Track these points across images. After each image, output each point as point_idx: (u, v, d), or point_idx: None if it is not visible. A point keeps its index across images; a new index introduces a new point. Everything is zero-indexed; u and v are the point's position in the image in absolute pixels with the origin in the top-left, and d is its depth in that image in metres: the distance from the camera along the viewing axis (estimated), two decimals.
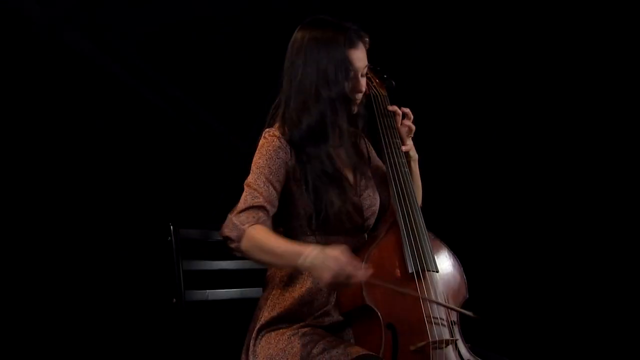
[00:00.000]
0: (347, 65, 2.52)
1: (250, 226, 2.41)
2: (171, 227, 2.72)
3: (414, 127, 2.69)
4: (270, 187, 2.48)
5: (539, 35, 4.01)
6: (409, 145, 2.69)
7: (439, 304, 2.48)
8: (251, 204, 2.44)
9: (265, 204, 2.45)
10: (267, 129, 2.57)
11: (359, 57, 2.55)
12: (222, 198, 2.58)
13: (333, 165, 2.53)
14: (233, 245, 2.43)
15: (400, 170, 2.60)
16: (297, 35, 2.58)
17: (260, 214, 2.44)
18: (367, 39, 2.60)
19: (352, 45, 2.54)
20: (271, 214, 2.47)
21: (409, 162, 2.67)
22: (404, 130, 2.70)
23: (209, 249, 2.55)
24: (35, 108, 3.59)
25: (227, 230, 2.43)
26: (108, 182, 3.67)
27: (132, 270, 3.65)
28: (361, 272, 2.29)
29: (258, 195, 2.46)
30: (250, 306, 2.65)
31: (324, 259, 2.29)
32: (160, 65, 3.76)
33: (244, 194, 2.48)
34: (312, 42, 2.53)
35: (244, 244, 2.41)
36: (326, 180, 2.51)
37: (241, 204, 2.45)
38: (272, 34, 3.81)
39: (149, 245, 3.57)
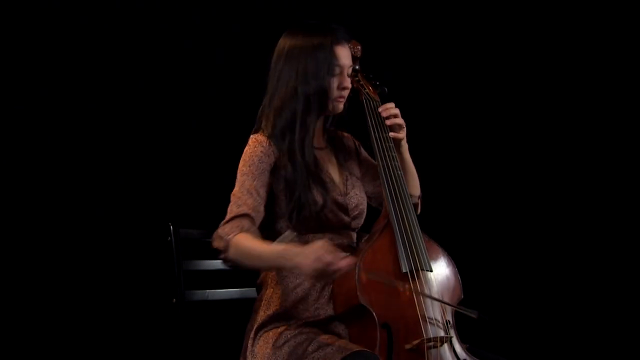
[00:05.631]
0: (331, 60, 2.56)
1: (234, 235, 2.46)
2: (171, 227, 2.74)
3: (402, 136, 2.70)
4: (255, 193, 2.53)
5: (536, 35, 4.02)
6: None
7: (433, 298, 2.50)
8: (236, 214, 2.50)
9: (249, 212, 2.51)
10: (252, 135, 2.62)
11: (345, 54, 2.60)
12: (222, 198, 2.60)
13: (309, 157, 2.56)
14: (222, 257, 2.50)
15: (393, 173, 2.62)
16: (282, 40, 2.63)
17: (244, 222, 2.50)
18: (356, 45, 2.67)
19: (338, 42, 2.58)
20: (257, 220, 2.53)
21: (398, 150, 2.69)
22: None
23: (209, 249, 2.57)
24: (35, 107, 3.61)
25: (216, 242, 2.50)
26: (108, 182, 3.69)
27: (132, 270, 3.67)
28: (343, 261, 2.32)
29: (242, 204, 2.51)
30: (250, 306, 2.66)
31: (302, 250, 2.34)
32: (160, 64, 3.77)
33: (230, 204, 2.53)
34: (296, 45, 2.58)
35: (231, 253, 2.47)
36: (308, 179, 2.55)
37: (227, 215, 2.52)
38: (268, 34, 3.84)
39: (149, 245, 3.59)
